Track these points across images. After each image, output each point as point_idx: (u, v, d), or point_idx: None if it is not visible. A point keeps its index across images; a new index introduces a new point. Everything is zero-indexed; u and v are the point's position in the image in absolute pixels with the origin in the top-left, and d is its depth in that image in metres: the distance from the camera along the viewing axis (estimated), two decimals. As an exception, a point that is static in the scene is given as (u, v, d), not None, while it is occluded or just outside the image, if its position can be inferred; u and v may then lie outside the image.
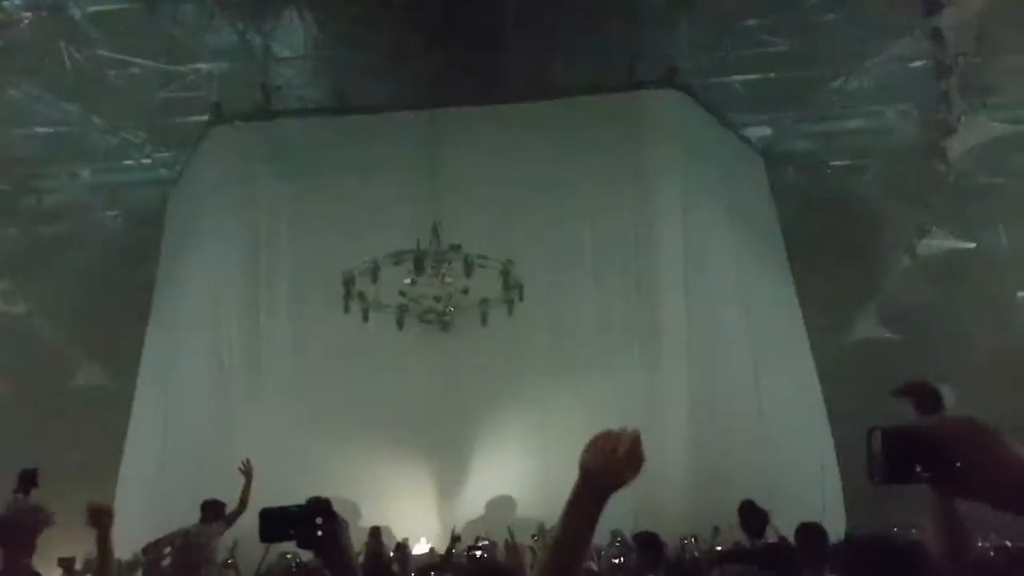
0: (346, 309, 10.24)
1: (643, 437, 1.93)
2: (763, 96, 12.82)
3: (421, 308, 10.57)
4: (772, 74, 12.71)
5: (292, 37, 12.30)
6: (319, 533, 2.15)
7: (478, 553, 6.97)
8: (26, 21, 11.03)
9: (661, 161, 11.24)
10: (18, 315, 13.67)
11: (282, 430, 10.39)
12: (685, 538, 7.96)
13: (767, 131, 13.59)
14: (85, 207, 14.26)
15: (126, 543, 6.55)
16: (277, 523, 2.14)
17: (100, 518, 3.16)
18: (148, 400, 11.84)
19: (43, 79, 12.10)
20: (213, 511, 6.62)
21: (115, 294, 12.63)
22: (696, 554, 7.13)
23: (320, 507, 2.18)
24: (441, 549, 8.34)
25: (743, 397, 10.33)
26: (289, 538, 2.15)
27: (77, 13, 11.52)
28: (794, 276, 12.23)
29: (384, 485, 10.22)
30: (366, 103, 11.60)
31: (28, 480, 5.52)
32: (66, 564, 8.15)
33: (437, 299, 10.35)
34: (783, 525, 5.92)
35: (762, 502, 6.11)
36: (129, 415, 12.02)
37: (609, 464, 1.90)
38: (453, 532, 7.53)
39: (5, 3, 10.89)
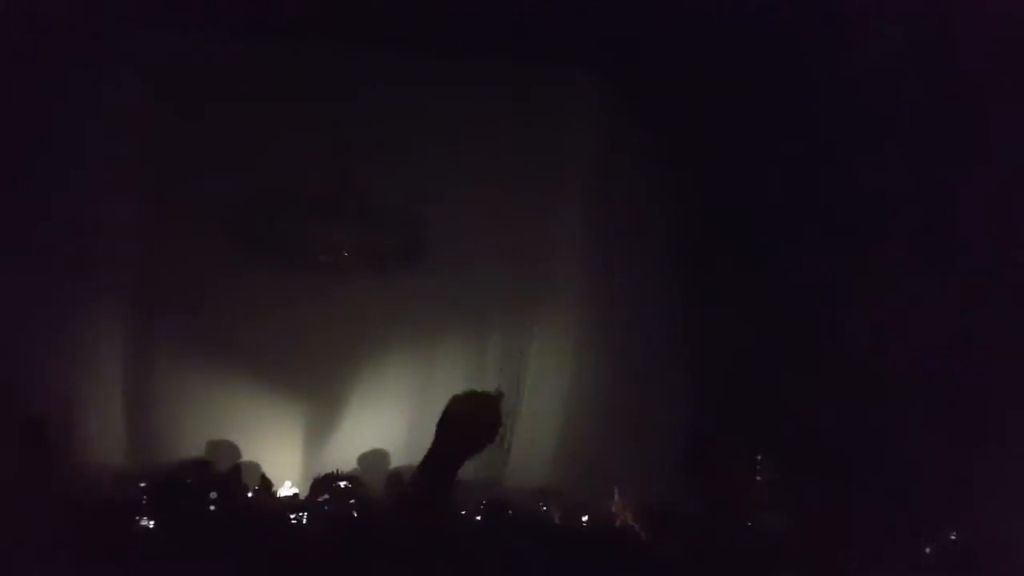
0: (234, 246, 9.92)
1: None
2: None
3: (315, 251, 10.38)
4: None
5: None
6: None
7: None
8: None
9: (575, 136, 11.23)
10: None
11: (154, 363, 10.13)
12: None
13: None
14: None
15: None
16: None
17: None
18: None
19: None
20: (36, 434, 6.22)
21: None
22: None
23: None
24: (304, 494, 8.30)
25: (632, 366, 10.49)
26: None
27: None
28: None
29: (255, 426, 10.00)
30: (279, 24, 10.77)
31: None
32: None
33: (333, 243, 10.16)
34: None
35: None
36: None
37: (467, 429, 1.92)
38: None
39: None
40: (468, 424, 1.96)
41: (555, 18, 10.17)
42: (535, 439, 10.38)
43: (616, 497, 7.47)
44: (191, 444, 9.73)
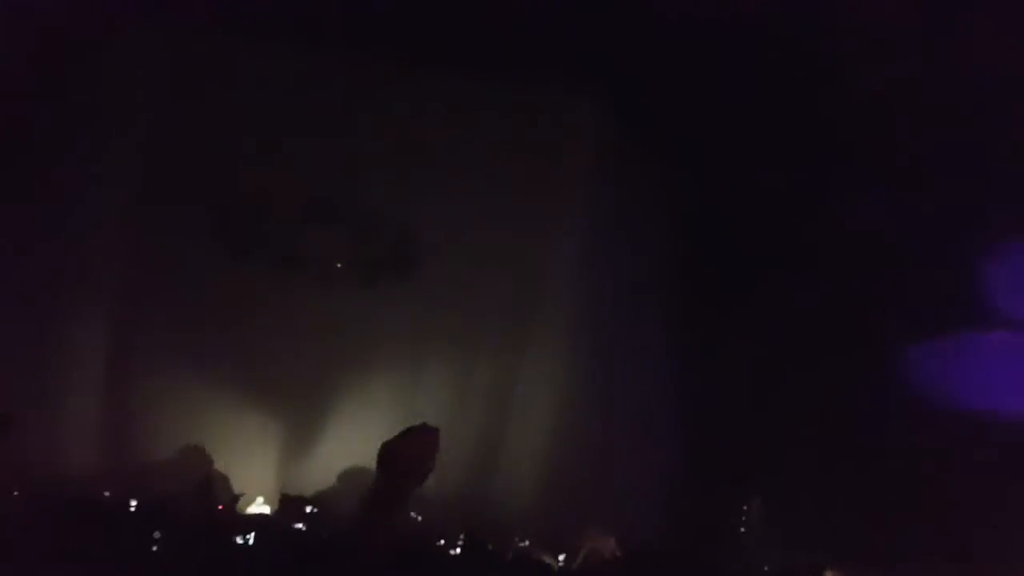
0: (225, 253, 9.79)
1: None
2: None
3: (307, 260, 10.23)
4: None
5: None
6: None
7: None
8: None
9: (571, 158, 11.17)
10: None
11: (138, 365, 9.91)
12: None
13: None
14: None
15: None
16: None
17: None
18: None
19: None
20: None
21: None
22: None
23: None
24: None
25: (620, 387, 10.29)
26: None
27: None
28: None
29: (229, 435, 9.72)
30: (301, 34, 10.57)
31: None
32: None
33: (325, 253, 10.02)
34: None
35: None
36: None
37: (404, 464, 1.99)
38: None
39: None
40: (405, 460, 2.01)
41: (555, 42, 10.15)
42: (521, 460, 10.13)
43: (592, 534, 7.22)
44: (166, 447, 9.46)
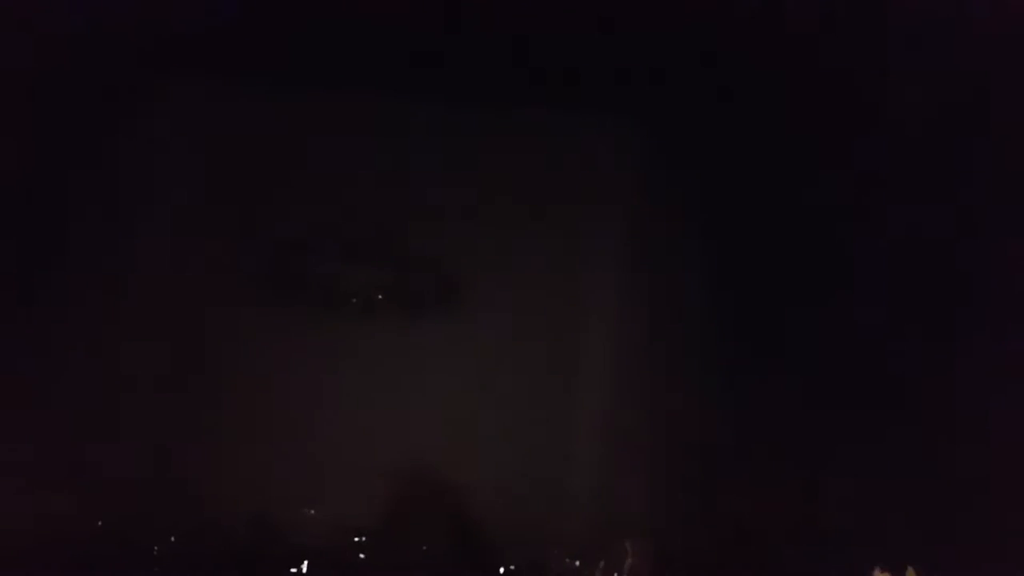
0: (271, 283, 10.00)
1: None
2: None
3: (347, 293, 10.41)
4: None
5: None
6: None
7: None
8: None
9: (609, 185, 11.25)
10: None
11: (179, 401, 10.12)
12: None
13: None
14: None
15: None
16: None
17: None
18: None
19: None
20: None
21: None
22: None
23: None
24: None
25: (666, 420, 10.29)
26: None
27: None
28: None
29: (276, 468, 9.89)
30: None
31: None
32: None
33: (365, 285, 10.19)
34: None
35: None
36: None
37: None
38: None
39: None
40: None
41: (588, 69, 10.31)
42: (569, 492, 10.16)
43: (630, 550, 7.26)
44: (215, 483, 9.64)
